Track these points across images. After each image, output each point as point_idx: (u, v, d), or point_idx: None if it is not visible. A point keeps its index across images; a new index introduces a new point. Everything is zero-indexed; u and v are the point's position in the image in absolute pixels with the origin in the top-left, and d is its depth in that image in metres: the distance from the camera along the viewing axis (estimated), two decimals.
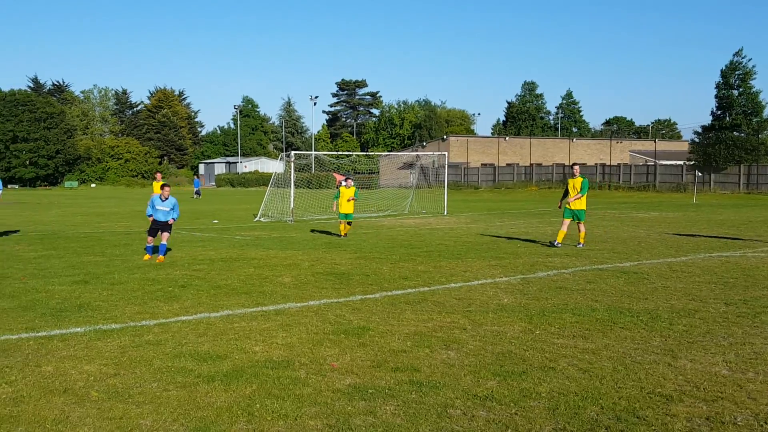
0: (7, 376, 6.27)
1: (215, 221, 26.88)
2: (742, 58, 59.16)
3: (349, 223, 20.05)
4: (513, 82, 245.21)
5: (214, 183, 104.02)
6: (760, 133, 58.65)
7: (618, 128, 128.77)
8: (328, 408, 5.45)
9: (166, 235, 14.71)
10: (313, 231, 22.27)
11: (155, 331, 8.03)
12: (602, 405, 5.48)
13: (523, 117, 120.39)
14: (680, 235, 20.05)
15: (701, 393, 5.78)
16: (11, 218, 29.32)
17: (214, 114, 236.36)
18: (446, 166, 37.37)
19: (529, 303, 9.67)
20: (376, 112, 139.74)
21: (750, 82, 58.79)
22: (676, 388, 5.91)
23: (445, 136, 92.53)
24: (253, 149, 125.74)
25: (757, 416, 5.23)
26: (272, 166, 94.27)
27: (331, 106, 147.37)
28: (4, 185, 16.76)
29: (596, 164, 70.30)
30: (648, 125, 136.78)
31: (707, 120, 67.91)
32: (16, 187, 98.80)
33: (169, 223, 14.84)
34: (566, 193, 17.28)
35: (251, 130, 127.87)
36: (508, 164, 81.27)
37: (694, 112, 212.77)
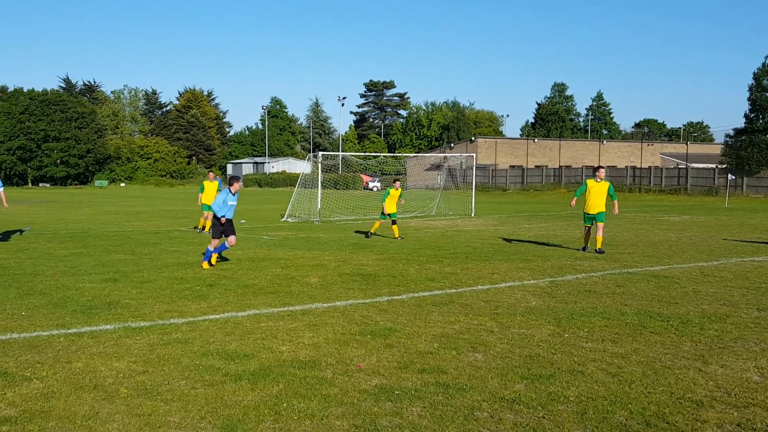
0: (39, 372, 6.36)
1: (242, 221, 27.05)
2: None
3: (393, 222, 20.18)
4: (543, 83, 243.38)
5: (241, 183, 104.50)
6: None
7: (649, 131, 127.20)
8: (355, 408, 5.45)
9: (233, 239, 13.60)
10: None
11: (183, 329, 8.10)
12: (631, 410, 5.41)
13: (552, 119, 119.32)
14: (712, 239, 19.75)
15: (732, 399, 5.68)
16: (43, 216, 29.84)
17: (242, 114, 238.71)
18: (474, 168, 37.13)
19: (557, 306, 9.59)
20: (403, 113, 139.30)
21: None
22: (707, 393, 5.82)
23: (473, 138, 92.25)
24: (281, 150, 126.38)
25: None
26: (299, 166, 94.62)
27: (358, 107, 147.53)
28: (3, 183, 17.20)
29: (626, 167, 69.48)
30: (680, 128, 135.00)
31: (740, 123, 66.89)
32: (48, 185, 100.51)
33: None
34: (579, 193, 16.49)
35: (279, 131, 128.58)
36: (536, 166, 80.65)
37: (727, 114, 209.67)
